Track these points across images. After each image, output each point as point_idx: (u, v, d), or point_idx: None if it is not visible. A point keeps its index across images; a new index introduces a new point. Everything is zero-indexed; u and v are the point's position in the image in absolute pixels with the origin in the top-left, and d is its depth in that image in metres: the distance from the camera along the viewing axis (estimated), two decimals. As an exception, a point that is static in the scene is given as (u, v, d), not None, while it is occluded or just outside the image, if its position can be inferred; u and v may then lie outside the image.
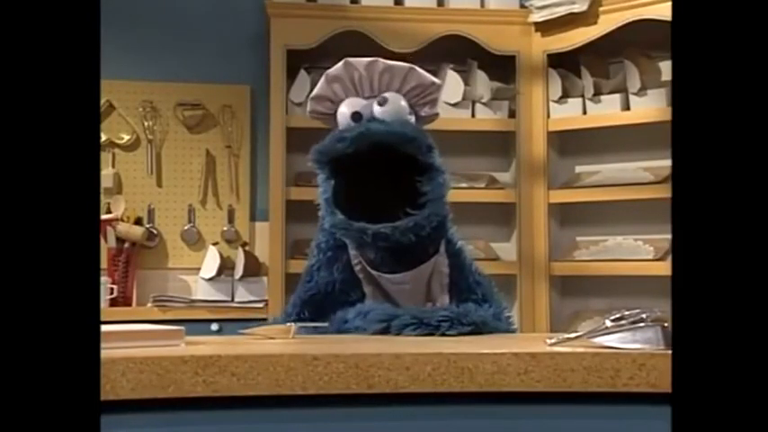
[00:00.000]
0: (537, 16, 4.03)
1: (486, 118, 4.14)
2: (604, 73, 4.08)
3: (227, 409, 1.26)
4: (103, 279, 3.96)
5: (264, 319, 3.50)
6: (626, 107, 3.96)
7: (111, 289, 4.03)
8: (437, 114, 1.98)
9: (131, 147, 4.29)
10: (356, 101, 1.91)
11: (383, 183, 1.88)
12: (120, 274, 4.10)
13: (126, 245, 4.14)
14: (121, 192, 4.25)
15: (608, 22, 3.89)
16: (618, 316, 1.39)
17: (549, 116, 4.06)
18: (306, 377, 1.25)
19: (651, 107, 3.87)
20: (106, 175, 4.16)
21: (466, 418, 1.31)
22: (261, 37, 4.16)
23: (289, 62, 4.00)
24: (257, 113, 4.33)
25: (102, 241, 4.05)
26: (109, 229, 4.10)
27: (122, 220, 4.17)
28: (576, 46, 3.99)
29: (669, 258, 3.72)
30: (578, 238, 4.12)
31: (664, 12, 3.58)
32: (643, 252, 3.90)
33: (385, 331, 1.77)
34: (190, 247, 4.28)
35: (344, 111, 1.91)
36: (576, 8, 3.91)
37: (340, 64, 1.94)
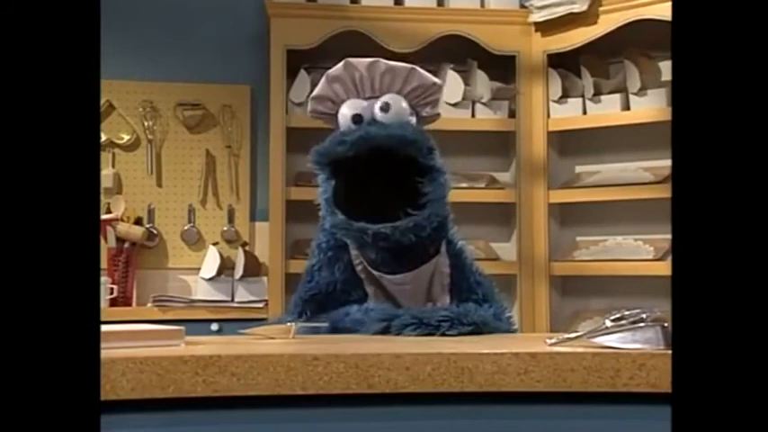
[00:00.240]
0: (537, 16, 4.03)
1: (486, 118, 4.14)
2: (604, 73, 4.08)
3: (227, 409, 1.26)
4: (103, 279, 3.96)
5: (264, 319, 3.51)
6: (626, 107, 3.96)
7: (111, 289, 4.03)
8: (438, 115, 1.98)
9: (131, 147, 4.29)
10: (357, 102, 1.91)
11: (384, 184, 1.88)
12: (120, 274, 4.10)
13: (126, 245, 4.14)
14: (121, 192, 4.25)
15: (608, 22, 3.90)
16: (618, 316, 1.39)
17: (549, 116, 4.06)
18: (306, 377, 1.25)
19: (651, 107, 3.87)
20: (106, 175, 4.16)
21: (466, 418, 1.31)
22: (261, 37, 4.16)
23: (289, 62, 4.00)
24: (257, 113, 4.33)
25: (102, 241, 4.06)
26: (109, 229, 4.10)
27: (122, 220, 4.17)
28: (576, 46, 3.99)
29: (669, 258, 3.72)
30: (578, 238, 4.12)
31: (664, 12, 3.58)
32: (643, 252, 3.91)
33: (385, 331, 1.77)
34: (190, 247, 4.29)
35: (345, 112, 1.91)
36: (576, 8, 3.91)
37: (341, 64, 1.94)
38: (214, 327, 3.87)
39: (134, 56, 4.27)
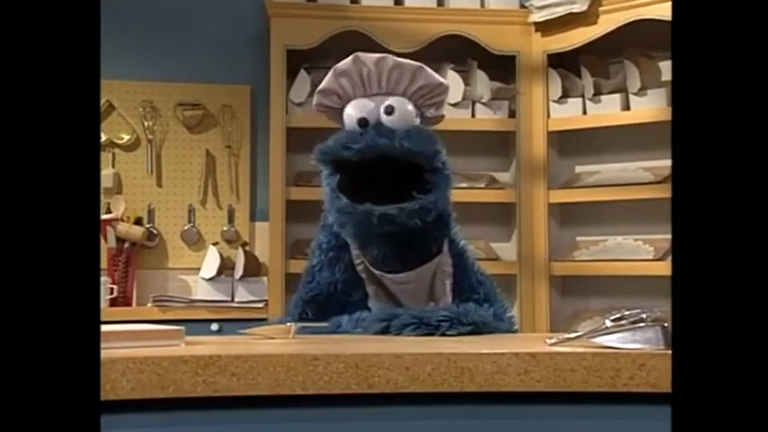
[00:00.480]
0: (537, 16, 4.03)
1: (486, 118, 4.14)
2: (604, 73, 4.08)
3: (227, 409, 1.26)
4: (103, 279, 3.96)
5: (265, 319, 3.51)
6: (626, 107, 3.96)
7: (111, 289, 4.03)
8: (443, 116, 1.98)
9: (131, 147, 4.29)
10: (363, 103, 1.90)
11: (388, 177, 1.87)
12: (120, 274, 4.10)
13: (126, 245, 4.14)
14: (121, 192, 4.25)
15: (608, 22, 3.90)
16: (618, 316, 1.39)
17: (549, 116, 4.06)
18: (306, 377, 1.25)
19: (651, 107, 3.87)
20: (106, 175, 4.16)
21: (466, 418, 1.31)
22: (261, 37, 4.16)
23: (289, 62, 4.00)
24: (257, 113, 4.33)
25: (102, 241, 4.06)
26: (109, 229, 4.10)
27: (122, 220, 4.17)
28: (576, 46, 3.99)
29: (669, 258, 3.72)
30: (578, 238, 4.12)
31: (664, 12, 3.58)
32: (643, 252, 3.91)
33: (385, 331, 1.77)
34: (190, 247, 4.29)
35: (351, 113, 1.90)
36: (576, 8, 3.91)
37: (349, 58, 1.93)
38: (214, 327, 3.87)
39: (134, 56, 4.27)
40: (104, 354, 1.16)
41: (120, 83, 4.19)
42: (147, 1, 4.33)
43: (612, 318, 1.39)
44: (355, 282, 1.95)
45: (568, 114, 4.04)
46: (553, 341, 1.39)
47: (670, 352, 1.23)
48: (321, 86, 1.95)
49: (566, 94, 4.06)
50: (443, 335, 1.72)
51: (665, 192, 3.58)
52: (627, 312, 1.39)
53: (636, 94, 3.92)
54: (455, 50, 4.11)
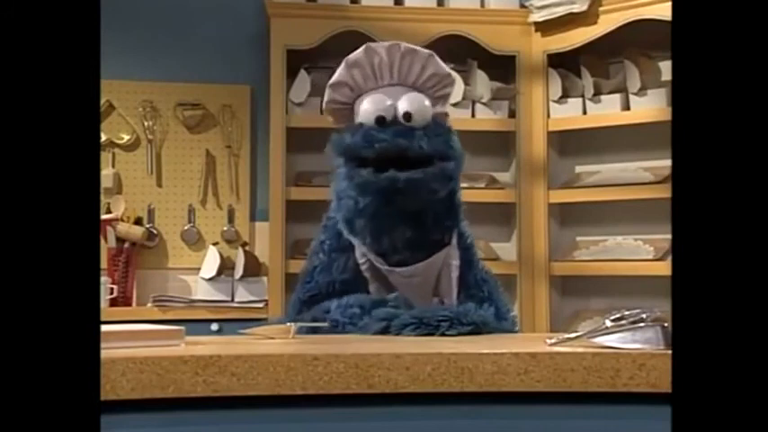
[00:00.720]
0: (537, 16, 4.03)
1: (486, 118, 4.14)
2: (604, 73, 4.08)
3: (227, 409, 1.26)
4: (103, 279, 3.96)
5: (265, 319, 3.51)
6: (626, 107, 3.96)
7: (111, 289, 4.03)
8: (446, 115, 2.00)
9: (131, 147, 4.29)
10: (379, 99, 1.91)
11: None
12: (120, 274, 4.10)
13: (126, 245, 4.14)
14: (121, 192, 4.25)
15: (608, 22, 3.90)
16: (618, 316, 1.39)
17: (549, 116, 4.06)
18: (306, 377, 1.25)
19: (651, 107, 3.87)
20: (106, 175, 4.16)
21: (466, 418, 1.31)
22: (261, 37, 4.16)
23: (289, 62, 4.00)
24: (257, 113, 4.33)
25: (102, 241, 4.05)
26: (109, 229, 4.10)
27: (122, 220, 4.17)
28: (576, 46, 3.99)
29: (669, 258, 3.72)
30: (578, 238, 4.12)
31: (664, 12, 3.58)
32: (643, 252, 3.90)
33: (385, 331, 1.77)
34: (190, 247, 4.28)
35: (368, 108, 1.90)
36: (576, 8, 3.91)
37: (360, 49, 1.94)
38: (214, 327, 3.87)
39: (134, 56, 4.27)
40: (104, 354, 1.16)
41: (120, 83, 4.19)
42: (147, 1, 4.33)
43: (612, 318, 1.39)
44: (355, 282, 1.95)
45: (568, 114, 4.04)
46: (553, 341, 1.39)
47: (670, 352, 1.23)
48: (333, 80, 1.95)
49: (566, 94, 4.06)
50: (443, 335, 1.72)
51: (665, 192, 3.58)
52: (627, 312, 1.39)
53: (636, 94, 3.92)
54: (455, 50, 4.10)
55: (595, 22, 3.93)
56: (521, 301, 4.00)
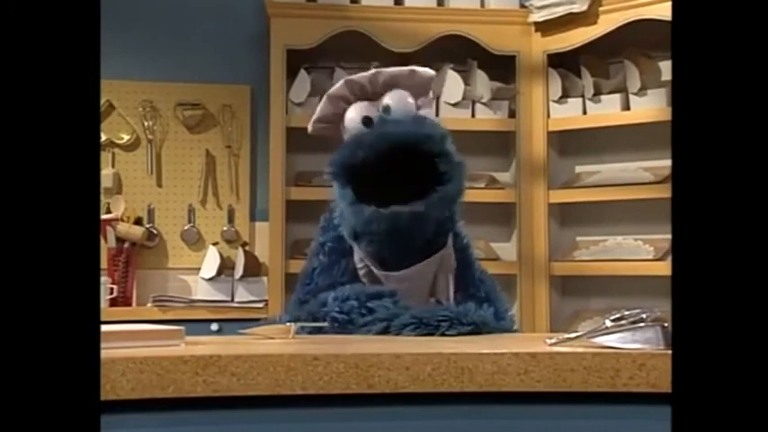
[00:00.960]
0: (537, 16, 4.03)
1: (486, 118, 4.14)
2: (604, 73, 4.08)
3: (227, 409, 1.26)
4: (103, 279, 3.96)
5: (265, 319, 3.50)
6: (626, 107, 3.96)
7: (111, 289, 4.03)
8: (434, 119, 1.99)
9: (131, 147, 4.29)
10: (363, 105, 1.91)
11: (402, 177, 1.87)
12: (120, 274, 4.10)
13: (126, 245, 4.14)
14: (121, 192, 4.25)
15: (608, 22, 3.90)
16: (618, 316, 1.39)
17: (549, 116, 4.06)
18: (306, 377, 1.25)
19: (651, 107, 3.87)
20: (106, 175, 4.16)
21: (466, 418, 1.31)
22: (261, 37, 4.16)
23: (289, 62, 4.00)
24: (257, 113, 4.33)
25: (102, 241, 4.05)
26: (109, 229, 4.10)
27: (122, 220, 4.17)
28: (576, 46, 3.99)
29: (669, 258, 3.72)
30: (578, 238, 4.12)
31: (664, 12, 3.58)
32: (643, 252, 3.91)
33: (385, 331, 1.77)
34: (190, 247, 4.29)
35: (353, 116, 1.91)
36: (576, 8, 3.91)
37: (340, 83, 1.94)
38: (214, 327, 3.87)
39: (134, 56, 4.27)
40: (104, 354, 1.16)
41: (120, 83, 4.19)
42: (147, 1, 4.33)
43: (612, 318, 1.39)
44: (354, 283, 1.95)
45: (568, 114, 4.04)
46: (553, 341, 1.39)
47: (670, 352, 1.23)
48: (316, 116, 1.98)
49: (566, 94, 4.06)
50: (443, 335, 1.72)
51: (665, 192, 3.58)
52: (627, 312, 1.39)
53: (636, 94, 3.92)
54: (455, 50, 4.11)
55: (595, 22, 3.93)
56: (521, 301, 4.00)
